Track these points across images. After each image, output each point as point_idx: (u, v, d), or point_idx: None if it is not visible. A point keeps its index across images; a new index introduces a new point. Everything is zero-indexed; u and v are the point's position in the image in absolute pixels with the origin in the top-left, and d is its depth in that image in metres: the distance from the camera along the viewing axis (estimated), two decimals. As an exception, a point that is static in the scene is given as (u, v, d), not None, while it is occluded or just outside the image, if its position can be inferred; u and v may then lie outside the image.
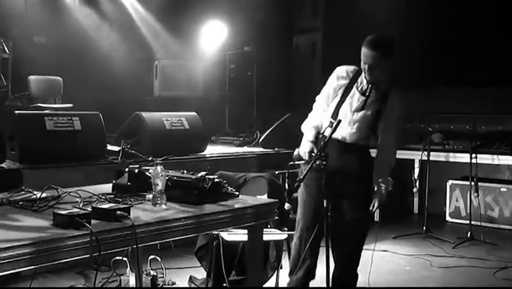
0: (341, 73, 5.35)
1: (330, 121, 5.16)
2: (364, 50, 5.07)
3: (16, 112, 7.49)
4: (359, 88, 5.17)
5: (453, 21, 10.65)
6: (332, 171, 4.90)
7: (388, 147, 5.31)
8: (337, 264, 5.36)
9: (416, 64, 10.67)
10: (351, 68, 5.32)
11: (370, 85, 5.14)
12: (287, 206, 5.25)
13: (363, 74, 5.15)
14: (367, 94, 5.14)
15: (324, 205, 4.71)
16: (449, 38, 10.65)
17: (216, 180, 4.14)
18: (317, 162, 4.78)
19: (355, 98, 5.18)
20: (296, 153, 5.24)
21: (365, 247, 6.05)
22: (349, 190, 5.16)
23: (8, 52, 10.45)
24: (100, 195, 3.84)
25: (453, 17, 10.68)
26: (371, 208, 5.20)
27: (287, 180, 5.63)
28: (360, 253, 5.47)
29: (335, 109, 5.21)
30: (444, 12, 10.75)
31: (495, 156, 9.15)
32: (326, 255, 4.86)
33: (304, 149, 5.13)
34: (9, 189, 3.98)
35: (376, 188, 5.21)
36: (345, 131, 5.16)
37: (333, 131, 4.86)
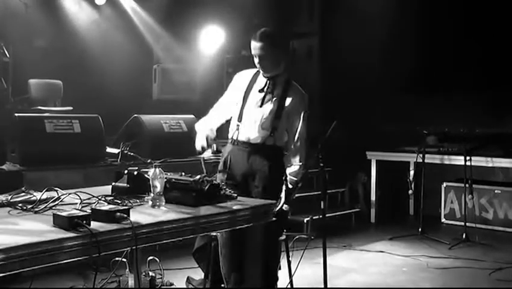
0: (241, 76, 5.38)
1: (237, 125, 5.18)
2: (252, 43, 5.07)
3: (16, 115, 7.50)
4: (259, 87, 5.17)
5: (447, 26, 10.66)
6: (241, 174, 4.94)
7: (296, 145, 5.23)
8: None
9: (411, 68, 10.69)
10: (251, 70, 5.32)
11: (267, 81, 5.13)
12: (285, 207, 5.24)
13: (261, 75, 5.18)
14: (265, 90, 5.13)
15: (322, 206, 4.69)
16: (443, 43, 10.66)
17: (214, 182, 4.12)
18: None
19: (256, 97, 5.17)
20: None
21: (362, 248, 6.07)
22: (259, 191, 5.03)
23: (8, 55, 10.43)
24: (99, 197, 3.82)
25: (447, 22, 10.68)
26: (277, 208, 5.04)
27: (284, 182, 5.61)
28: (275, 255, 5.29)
29: (240, 112, 5.19)
30: (438, 17, 10.76)
31: (489, 159, 9.15)
32: (323, 255, 4.85)
33: (198, 142, 5.20)
34: (10, 190, 3.96)
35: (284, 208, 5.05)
36: (249, 131, 5.13)
37: (329, 133, 4.83)
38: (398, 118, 10.66)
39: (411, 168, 10.38)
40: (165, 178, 3.94)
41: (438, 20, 10.77)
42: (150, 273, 5.73)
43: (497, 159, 9.13)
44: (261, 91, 5.14)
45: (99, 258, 3.04)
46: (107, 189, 4.32)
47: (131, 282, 5.13)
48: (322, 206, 5.25)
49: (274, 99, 5.13)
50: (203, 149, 5.17)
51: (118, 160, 7.79)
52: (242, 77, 5.35)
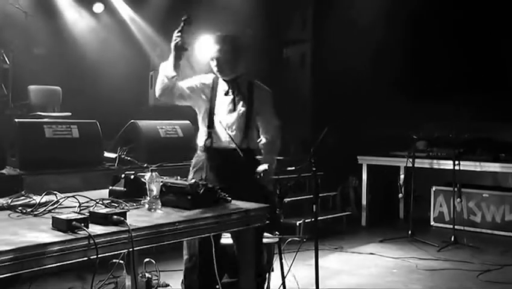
0: (205, 79, 5.27)
1: (209, 132, 5.14)
2: (210, 46, 5.10)
3: (16, 120, 7.52)
4: (223, 91, 5.14)
5: (436, 33, 10.70)
6: (218, 180, 4.84)
7: (271, 133, 5.29)
8: None
9: (401, 74, 10.73)
10: (209, 75, 5.27)
11: (230, 85, 5.12)
12: (277, 211, 5.26)
13: (220, 79, 5.16)
14: (231, 94, 5.11)
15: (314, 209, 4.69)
16: (432, 49, 10.70)
17: (209, 186, 4.14)
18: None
19: (223, 102, 5.13)
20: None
21: (353, 250, 6.06)
22: (240, 196, 4.69)
23: (8, 62, 10.44)
24: (97, 201, 3.83)
25: (436, 29, 10.73)
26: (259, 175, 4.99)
27: (277, 186, 5.62)
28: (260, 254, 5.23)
29: (209, 119, 5.15)
30: (427, 24, 10.80)
31: (477, 163, 9.17)
32: (315, 257, 4.86)
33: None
34: (10, 194, 3.97)
35: (265, 167, 5.02)
36: (223, 137, 5.10)
37: (320, 139, 4.84)
38: (388, 124, 10.68)
39: (401, 173, 10.39)
40: (162, 182, 3.95)
41: (426, 26, 10.81)
42: (147, 275, 5.73)
43: (485, 164, 9.16)
44: (226, 94, 5.12)
45: (97, 260, 3.05)
46: (105, 193, 4.33)
47: (128, 283, 5.13)
48: (314, 210, 5.27)
49: (242, 101, 5.12)
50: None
51: (116, 164, 7.81)
52: (208, 81, 5.24)
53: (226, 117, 5.10)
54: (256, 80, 5.34)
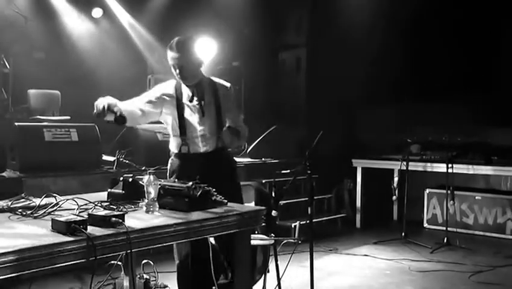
0: (166, 89, 5.13)
1: (182, 139, 5.10)
2: (168, 53, 4.92)
3: (16, 124, 7.52)
4: (188, 96, 5.06)
5: (430, 37, 10.73)
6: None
7: (240, 125, 5.17)
8: None
9: (395, 79, 10.75)
10: (170, 83, 5.16)
11: (194, 90, 5.04)
12: (273, 213, 5.27)
13: (183, 85, 5.06)
14: (196, 100, 5.03)
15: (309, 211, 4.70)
16: (426, 53, 10.73)
17: (206, 188, 4.15)
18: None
19: (190, 109, 5.06)
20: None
21: (347, 251, 6.04)
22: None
23: (8, 67, 10.45)
24: (96, 203, 3.84)
25: (430, 34, 10.76)
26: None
27: (273, 188, 5.63)
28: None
29: (180, 128, 5.09)
30: (421, 30, 10.83)
31: (470, 166, 9.18)
32: (310, 258, 4.87)
33: (101, 102, 4.55)
34: (10, 196, 3.98)
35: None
36: (198, 143, 5.09)
37: (316, 142, 4.84)
38: (383, 128, 10.71)
39: (395, 175, 10.40)
40: (159, 185, 3.96)
41: (421, 31, 10.83)
42: (145, 276, 5.73)
43: (477, 167, 9.17)
44: (191, 100, 5.03)
45: (96, 261, 3.07)
46: (103, 195, 4.34)
47: (126, 284, 5.14)
48: (309, 212, 5.28)
49: (210, 104, 5.06)
50: (104, 112, 4.46)
51: (114, 167, 7.82)
52: (169, 91, 5.11)
53: (197, 124, 5.05)
54: (213, 77, 5.27)
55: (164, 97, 5.07)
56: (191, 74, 4.98)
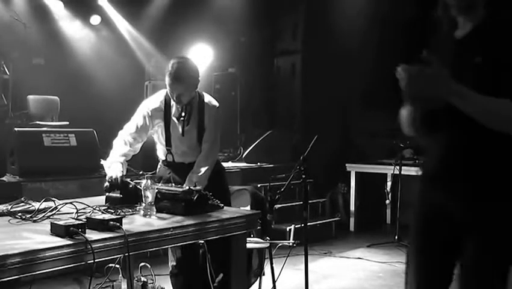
0: (153, 104, 5.13)
1: (168, 149, 5.15)
2: (167, 80, 4.88)
3: (16, 129, 7.53)
4: (176, 113, 5.06)
5: (424, 45, 10.73)
6: None
7: (208, 144, 5.13)
8: None
9: (389, 85, 10.73)
10: (157, 97, 5.17)
11: (183, 108, 5.02)
12: (268, 216, 5.27)
13: (172, 101, 5.04)
14: (184, 115, 5.02)
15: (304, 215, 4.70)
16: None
17: (202, 192, 4.15)
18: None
19: (177, 124, 5.08)
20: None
21: (341, 254, 6.03)
22: None
23: (8, 73, 10.44)
24: (94, 207, 3.84)
25: (424, 42, 10.76)
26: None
27: (268, 192, 5.64)
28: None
29: (166, 140, 5.13)
30: (415, 36, 10.83)
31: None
32: (305, 261, 4.86)
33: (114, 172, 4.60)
34: (10, 201, 3.98)
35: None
36: (182, 156, 5.16)
37: (310, 147, 4.84)
38: (376, 133, 10.72)
39: (388, 180, 10.39)
40: (156, 189, 3.97)
41: (416, 37, 10.83)
42: (142, 278, 5.73)
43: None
44: (179, 118, 5.04)
45: (94, 264, 3.07)
46: (101, 199, 4.34)
47: (124, 287, 5.15)
48: (304, 215, 5.28)
49: (193, 123, 5.08)
50: (113, 186, 4.42)
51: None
52: (153, 106, 5.12)
53: (181, 138, 5.09)
54: (205, 93, 5.25)
55: (153, 112, 5.10)
56: (187, 99, 4.99)
